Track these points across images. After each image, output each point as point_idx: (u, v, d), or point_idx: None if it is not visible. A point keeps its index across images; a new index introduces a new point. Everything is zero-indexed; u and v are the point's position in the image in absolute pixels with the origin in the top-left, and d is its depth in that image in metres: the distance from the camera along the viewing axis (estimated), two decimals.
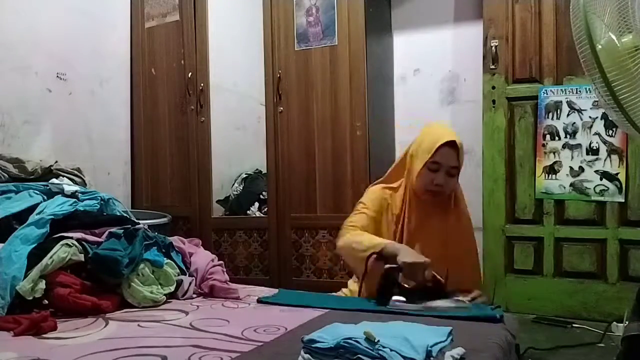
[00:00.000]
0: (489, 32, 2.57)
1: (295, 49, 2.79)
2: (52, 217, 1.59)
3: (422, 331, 1.10)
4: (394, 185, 1.68)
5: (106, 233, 1.62)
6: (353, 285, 1.74)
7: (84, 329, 1.29)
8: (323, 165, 2.75)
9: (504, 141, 2.56)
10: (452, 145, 1.55)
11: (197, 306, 1.55)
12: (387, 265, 1.41)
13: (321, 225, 2.74)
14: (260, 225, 2.92)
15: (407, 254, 1.40)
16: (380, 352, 0.91)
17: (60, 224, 1.62)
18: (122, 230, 1.62)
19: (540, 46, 2.50)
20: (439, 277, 1.41)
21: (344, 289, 1.80)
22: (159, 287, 1.62)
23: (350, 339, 0.93)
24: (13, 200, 1.76)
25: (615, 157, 2.38)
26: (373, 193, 1.68)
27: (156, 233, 1.79)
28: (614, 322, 2.18)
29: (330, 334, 0.97)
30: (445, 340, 1.08)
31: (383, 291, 1.42)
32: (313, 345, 0.95)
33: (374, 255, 1.45)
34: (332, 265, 2.71)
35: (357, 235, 1.55)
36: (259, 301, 1.58)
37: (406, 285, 1.41)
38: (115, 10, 3.14)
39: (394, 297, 1.40)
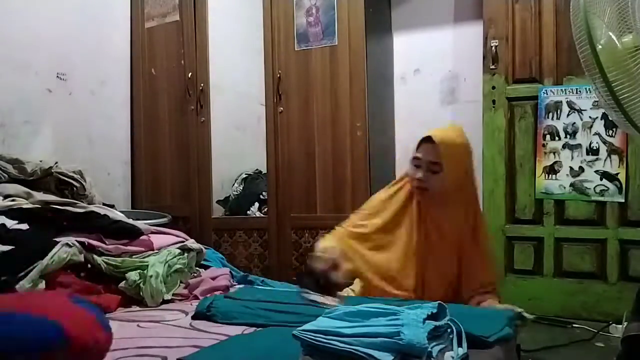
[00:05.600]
0: (489, 32, 2.57)
1: (295, 49, 2.79)
2: None
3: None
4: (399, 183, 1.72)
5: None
6: (357, 285, 1.73)
7: None
8: (323, 165, 2.75)
9: (504, 141, 2.56)
10: (431, 140, 1.56)
11: None
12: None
13: (321, 225, 2.74)
14: (260, 225, 2.92)
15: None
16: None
17: (68, 226, 1.62)
18: None
19: (540, 46, 2.49)
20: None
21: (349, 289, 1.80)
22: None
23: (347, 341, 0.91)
24: None
25: (615, 157, 2.38)
26: (372, 200, 1.76)
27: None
28: (613, 324, 2.18)
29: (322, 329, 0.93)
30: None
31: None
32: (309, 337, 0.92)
33: None
34: None
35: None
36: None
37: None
38: (115, 10, 3.14)
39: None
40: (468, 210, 1.65)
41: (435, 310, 1.01)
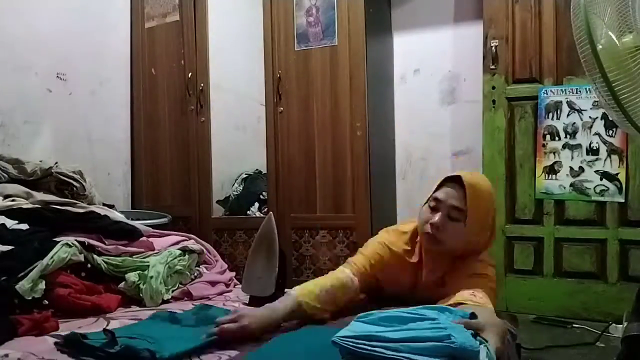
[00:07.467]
0: (489, 32, 2.57)
1: (295, 49, 2.79)
2: None
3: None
4: (405, 229, 1.46)
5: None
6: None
7: (86, 328, 1.29)
8: (323, 165, 2.75)
9: (504, 141, 2.56)
10: (458, 182, 1.33)
11: None
12: None
13: (321, 225, 2.74)
14: (260, 225, 2.91)
15: None
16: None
17: (68, 226, 1.62)
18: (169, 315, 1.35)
19: (540, 46, 2.50)
20: None
21: None
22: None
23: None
24: None
25: (615, 157, 2.38)
26: (373, 244, 1.47)
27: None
28: (613, 324, 2.18)
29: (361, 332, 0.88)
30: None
31: None
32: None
33: None
34: (332, 265, 2.71)
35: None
36: None
37: None
38: (115, 10, 3.14)
39: None
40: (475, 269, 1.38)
41: (467, 317, 1.01)
